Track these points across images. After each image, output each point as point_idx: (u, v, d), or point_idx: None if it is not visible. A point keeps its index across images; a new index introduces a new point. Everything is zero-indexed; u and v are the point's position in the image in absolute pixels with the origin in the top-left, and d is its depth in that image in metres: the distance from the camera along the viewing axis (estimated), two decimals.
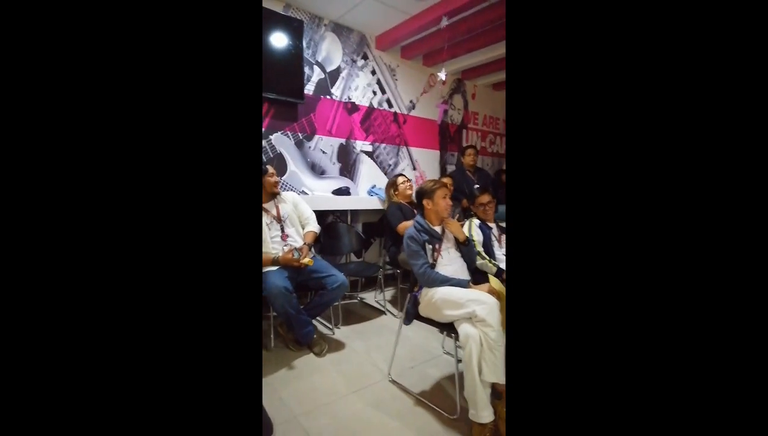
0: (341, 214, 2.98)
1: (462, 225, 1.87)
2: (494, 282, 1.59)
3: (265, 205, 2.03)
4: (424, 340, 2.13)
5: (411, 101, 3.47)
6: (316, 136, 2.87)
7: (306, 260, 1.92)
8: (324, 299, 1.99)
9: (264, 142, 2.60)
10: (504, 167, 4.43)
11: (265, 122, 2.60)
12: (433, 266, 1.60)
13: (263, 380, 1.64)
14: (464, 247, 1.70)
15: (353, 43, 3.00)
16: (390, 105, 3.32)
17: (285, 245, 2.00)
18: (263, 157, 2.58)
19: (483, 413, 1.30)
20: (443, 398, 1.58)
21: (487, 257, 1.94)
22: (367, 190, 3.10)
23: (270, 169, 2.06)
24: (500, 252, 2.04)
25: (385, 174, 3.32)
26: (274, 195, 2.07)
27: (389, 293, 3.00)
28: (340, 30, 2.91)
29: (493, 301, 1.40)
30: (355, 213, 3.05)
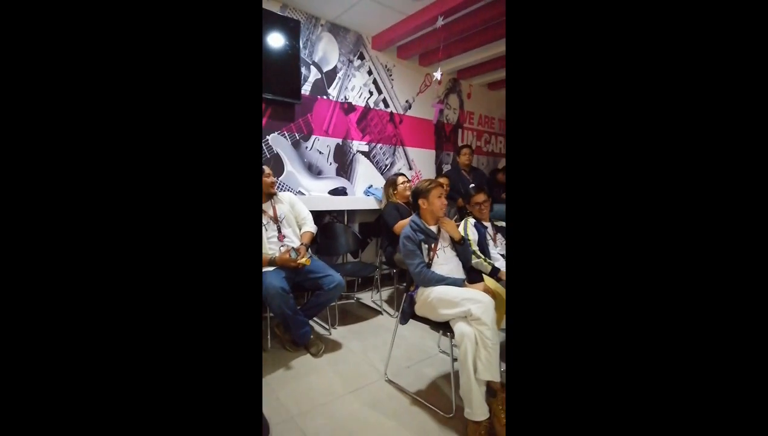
0: (338, 214, 2.98)
1: (458, 224, 1.88)
2: (489, 281, 1.60)
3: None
4: (420, 339, 2.14)
5: (407, 101, 3.48)
6: (313, 137, 2.87)
7: (303, 260, 1.93)
8: (321, 299, 1.99)
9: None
10: (499, 166, 4.45)
11: (262, 122, 2.60)
12: (429, 265, 1.61)
13: None
14: (460, 246, 1.71)
15: (350, 43, 3.00)
16: (386, 105, 3.32)
17: (282, 246, 2.00)
18: None
19: (478, 411, 1.31)
20: (439, 396, 1.59)
21: (483, 256, 1.96)
22: (363, 191, 3.11)
23: (266, 169, 2.06)
24: (495, 251, 2.05)
25: (382, 174, 3.33)
26: (270, 195, 2.07)
27: (386, 292, 3.01)
28: (336, 30, 2.91)
29: (488, 299, 1.41)
30: (351, 213, 3.05)
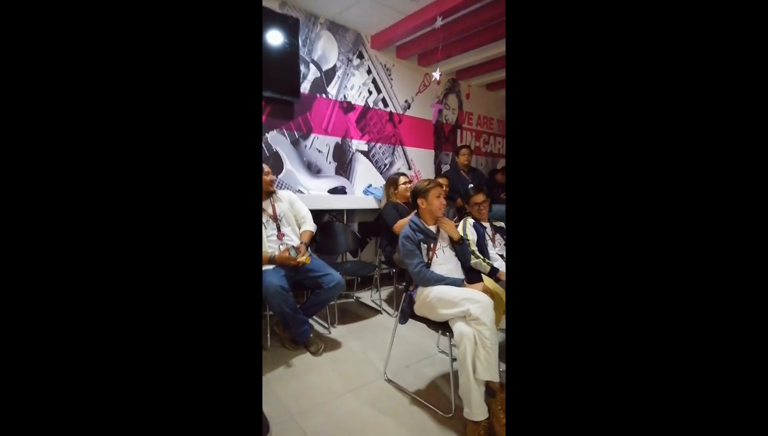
0: (337, 213, 2.98)
1: (456, 224, 1.89)
2: (488, 281, 1.60)
3: None
4: (419, 339, 2.14)
5: (406, 101, 3.48)
6: (312, 135, 2.87)
7: (302, 259, 1.93)
8: (320, 298, 2.00)
9: None
10: (498, 167, 4.46)
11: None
12: (428, 265, 1.61)
13: None
14: (459, 246, 1.72)
15: (349, 42, 3.00)
16: (385, 104, 3.32)
17: (281, 244, 2.00)
18: None
19: (477, 411, 1.32)
20: (438, 396, 1.60)
21: (481, 256, 1.96)
22: (363, 190, 3.11)
23: (265, 167, 2.05)
24: (494, 251, 2.06)
25: (381, 173, 3.33)
26: (269, 194, 2.07)
27: (385, 292, 3.01)
28: (335, 29, 2.91)
29: (487, 299, 1.42)
30: (351, 212, 3.06)
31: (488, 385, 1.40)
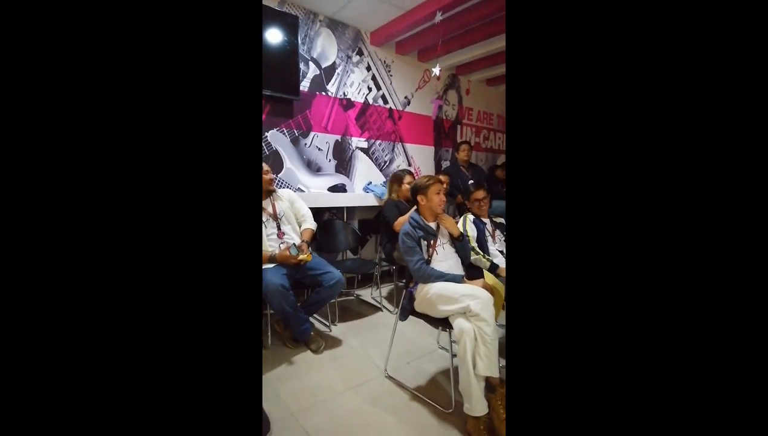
0: (337, 211, 2.98)
1: (456, 221, 1.88)
2: (488, 277, 1.60)
3: None
4: (419, 335, 2.15)
5: (406, 97, 3.47)
6: (312, 133, 2.86)
7: (304, 257, 1.93)
8: (320, 296, 2.00)
9: None
10: (498, 163, 4.45)
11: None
12: (428, 261, 1.61)
13: None
14: (459, 242, 1.71)
15: (348, 39, 2.99)
16: (385, 101, 3.31)
17: (281, 243, 2.00)
18: None
19: (477, 406, 1.32)
20: (438, 392, 1.60)
21: (481, 253, 1.96)
22: (363, 187, 3.10)
23: (265, 166, 2.05)
24: (494, 247, 2.06)
25: (381, 171, 3.32)
26: (269, 193, 2.07)
27: (385, 289, 3.01)
28: (335, 25, 2.89)
29: (487, 296, 1.41)
30: (351, 210, 3.05)
31: (488, 380, 1.40)
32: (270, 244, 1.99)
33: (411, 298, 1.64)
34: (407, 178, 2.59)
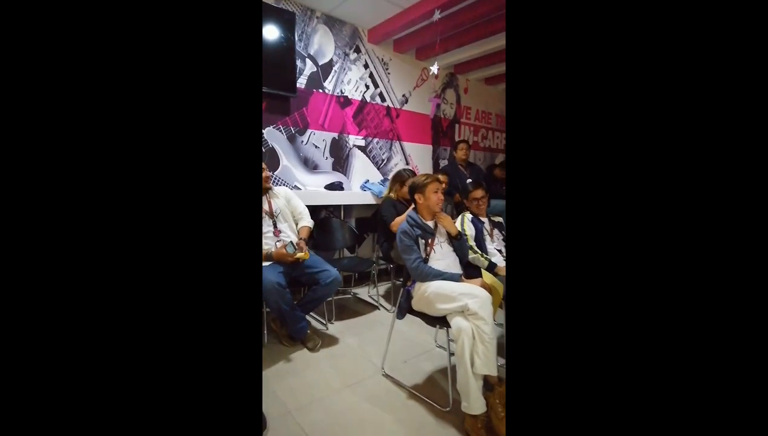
0: (334, 209, 2.97)
1: (454, 220, 1.88)
2: (486, 276, 1.60)
3: None
4: (417, 334, 2.14)
5: (404, 95, 3.46)
6: (309, 131, 2.85)
7: (302, 255, 1.92)
8: (317, 294, 1.99)
9: None
10: (496, 162, 4.45)
11: None
12: (425, 260, 1.61)
13: None
14: (456, 241, 1.71)
15: (346, 36, 2.97)
16: (383, 99, 3.30)
17: (278, 241, 1.99)
18: None
19: (475, 405, 1.32)
20: (436, 391, 1.60)
21: (479, 251, 1.96)
22: (360, 185, 3.09)
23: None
24: (492, 246, 2.06)
25: (378, 169, 3.31)
26: (265, 190, 2.06)
27: (383, 287, 3.01)
28: (332, 22, 2.88)
29: (485, 294, 1.41)
30: (348, 208, 3.04)
31: (486, 379, 1.40)
32: (266, 242, 1.98)
33: (408, 296, 1.64)
34: (409, 181, 2.58)
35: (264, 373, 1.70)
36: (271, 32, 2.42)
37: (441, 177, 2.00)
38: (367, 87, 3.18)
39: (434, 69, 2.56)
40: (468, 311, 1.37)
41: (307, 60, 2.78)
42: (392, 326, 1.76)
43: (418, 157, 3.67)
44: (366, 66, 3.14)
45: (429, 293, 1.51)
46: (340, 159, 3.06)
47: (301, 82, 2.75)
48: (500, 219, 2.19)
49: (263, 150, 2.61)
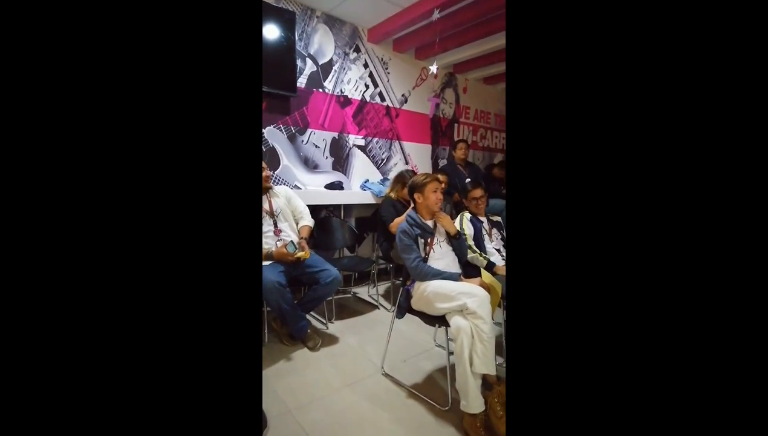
0: (334, 208, 2.97)
1: (453, 219, 1.89)
2: (485, 275, 1.61)
3: None
4: (416, 333, 2.15)
5: (403, 95, 3.46)
6: (309, 130, 2.85)
7: (302, 254, 1.92)
8: (317, 293, 2.00)
9: None
10: (495, 162, 4.46)
11: None
12: (425, 259, 1.61)
13: None
14: (455, 241, 1.72)
15: (345, 36, 2.97)
16: (382, 99, 3.30)
17: (278, 240, 1.99)
18: None
19: (474, 403, 1.32)
20: (435, 390, 1.61)
21: (478, 251, 1.97)
22: (360, 185, 3.10)
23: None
24: (491, 246, 2.06)
25: (378, 168, 3.32)
26: (266, 190, 2.06)
27: (382, 287, 3.01)
28: (332, 22, 2.88)
29: (484, 293, 1.42)
30: (348, 208, 3.05)
31: (485, 378, 1.41)
32: (267, 241, 1.98)
33: (408, 296, 1.64)
34: (409, 181, 2.58)
35: (264, 372, 1.71)
36: (271, 32, 2.42)
37: (440, 177, 2.01)
38: (367, 86, 3.18)
39: (433, 68, 2.56)
40: (467, 310, 1.37)
41: (307, 59, 2.79)
42: (392, 325, 1.77)
43: (418, 156, 3.67)
44: (366, 65, 3.15)
45: (428, 292, 1.52)
46: (340, 158, 3.07)
47: (301, 82, 2.76)
48: (499, 218, 2.19)
49: (263, 149, 2.62)
